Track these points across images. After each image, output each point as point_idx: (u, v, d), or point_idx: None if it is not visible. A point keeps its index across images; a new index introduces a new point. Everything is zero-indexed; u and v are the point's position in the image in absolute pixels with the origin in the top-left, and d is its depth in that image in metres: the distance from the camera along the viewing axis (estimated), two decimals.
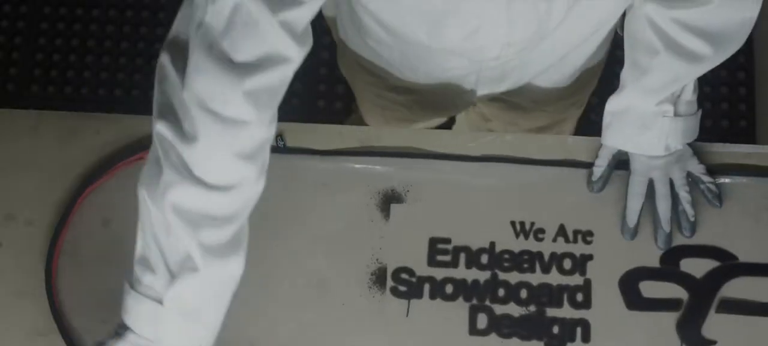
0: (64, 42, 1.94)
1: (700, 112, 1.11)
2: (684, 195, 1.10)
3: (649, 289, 1.09)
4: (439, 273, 1.11)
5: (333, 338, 1.10)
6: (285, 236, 1.14)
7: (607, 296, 1.09)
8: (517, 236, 1.12)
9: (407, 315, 1.10)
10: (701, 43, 0.99)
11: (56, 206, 1.15)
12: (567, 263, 1.10)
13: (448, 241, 1.12)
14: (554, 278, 1.10)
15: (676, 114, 1.07)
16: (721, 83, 1.81)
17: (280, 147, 1.16)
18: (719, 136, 1.77)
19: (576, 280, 1.10)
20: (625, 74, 1.09)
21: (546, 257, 1.11)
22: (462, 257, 1.11)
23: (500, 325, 1.09)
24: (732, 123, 1.80)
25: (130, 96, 1.97)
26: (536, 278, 1.10)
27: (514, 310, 1.09)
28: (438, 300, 1.10)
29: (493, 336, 1.09)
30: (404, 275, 1.11)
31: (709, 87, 1.81)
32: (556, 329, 1.08)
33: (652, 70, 1.04)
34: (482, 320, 1.09)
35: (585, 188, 1.13)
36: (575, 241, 1.11)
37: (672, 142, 1.09)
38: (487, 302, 1.10)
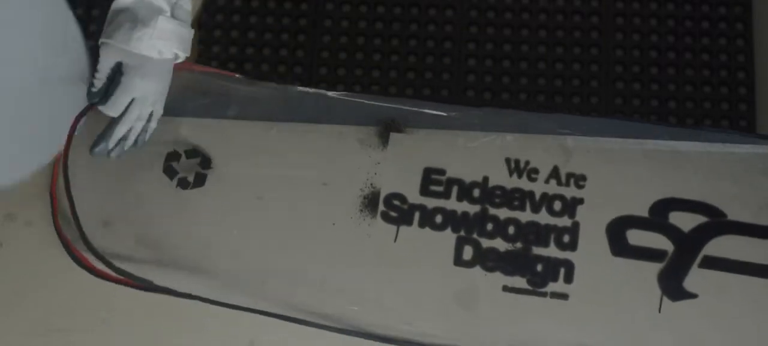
0: None
1: (192, 32, 1.15)
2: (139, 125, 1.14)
3: (636, 237, 1.10)
4: (431, 203, 1.12)
5: (321, 254, 1.11)
6: (283, 152, 1.15)
7: (593, 241, 1.10)
8: (511, 173, 1.13)
9: (395, 240, 1.11)
10: None
11: None
12: (557, 205, 1.12)
13: (442, 172, 1.13)
14: (543, 217, 1.11)
15: (173, 16, 1.11)
16: (721, 83, 1.83)
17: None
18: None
19: (564, 222, 1.11)
20: None
21: (537, 197, 1.12)
22: (454, 189, 1.13)
23: (485, 258, 1.10)
24: (732, 123, 1.81)
25: None
26: (525, 216, 1.11)
27: (500, 245, 1.11)
28: (427, 229, 1.12)
29: (477, 269, 1.10)
30: (396, 202, 1.13)
31: (709, 87, 1.83)
32: (539, 268, 1.09)
33: None
34: (468, 252, 1.10)
35: (582, 133, 1.15)
36: (567, 184, 1.12)
37: (163, 46, 1.11)
38: (475, 235, 1.11)
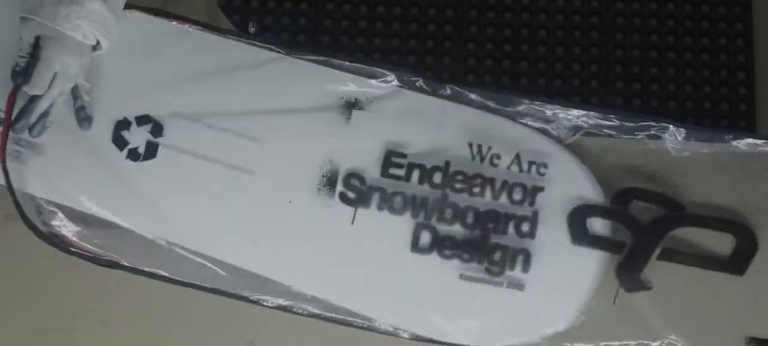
0: None
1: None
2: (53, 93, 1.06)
3: (596, 227, 1.08)
4: (390, 186, 1.10)
5: (275, 231, 1.10)
6: (245, 118, 1.12)
7: (552, 229, 1.08)
8: (473, 158, 1.11)
9: (352, 223, 1.10)
10: None
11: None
12: (517, 193, 1.10)
13: (403, 155, 1.11)
14: (503, 205, 1.09)
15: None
16: (721, 83, 1.81)
17: (251, 33, 1.16)
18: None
19: (524, 210, 1.09)
20: None
21: (498, 184, 1.10)
22: (415, 172, 1.11)
23: (442, 245, 1.09)
24: (732, 123, 1.80)
25: None
26: (485, 203, 1.10)
27: (458, 232, 1.09)
28: (385, 212, 1.10)
29: (434, 255, 1.09)
30: (355, 182, 1.11)
31: (709, 87, 1.81)
32: (497, 256, 1.08)
33: None
34: (425, 238, 1.09)
35: (543, 120, 1.12)
36: (529, 171, 1.10)
37: (88, 29, 1.04)
38: (433, 221, 1.09)
